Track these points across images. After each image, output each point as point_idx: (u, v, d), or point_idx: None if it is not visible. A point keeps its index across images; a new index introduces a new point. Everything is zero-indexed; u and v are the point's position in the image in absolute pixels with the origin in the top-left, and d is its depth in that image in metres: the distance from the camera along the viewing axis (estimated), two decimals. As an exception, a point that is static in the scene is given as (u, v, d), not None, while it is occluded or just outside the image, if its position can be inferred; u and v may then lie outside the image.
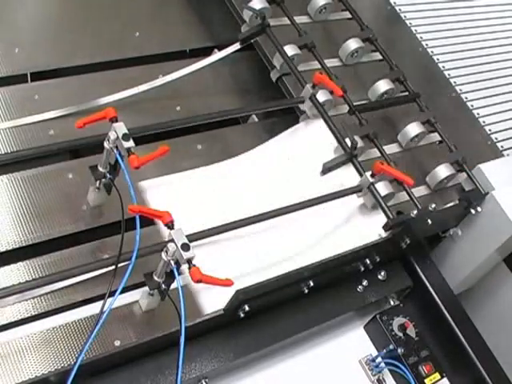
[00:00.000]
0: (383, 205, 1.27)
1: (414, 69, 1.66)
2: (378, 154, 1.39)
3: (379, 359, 1.22)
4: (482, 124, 1.63)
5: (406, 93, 1.53)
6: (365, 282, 1.26)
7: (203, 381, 1.07)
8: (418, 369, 1.22)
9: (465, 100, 1.66)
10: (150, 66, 1.49)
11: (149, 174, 1.28)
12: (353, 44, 1.54)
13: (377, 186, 1.29)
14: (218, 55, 1.47)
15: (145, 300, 1.11)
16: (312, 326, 1.19)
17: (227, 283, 1.03)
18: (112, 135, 1.08)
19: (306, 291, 1.17)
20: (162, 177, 1.28)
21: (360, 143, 1.35)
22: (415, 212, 1.25)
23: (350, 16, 1.61)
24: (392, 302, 1.31)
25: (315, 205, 1.23)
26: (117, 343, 1.07)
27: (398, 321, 1.25)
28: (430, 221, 1.28)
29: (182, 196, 1.26)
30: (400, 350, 1.21)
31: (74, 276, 1.04)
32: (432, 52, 1.74)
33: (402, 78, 1.53)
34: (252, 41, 1.48)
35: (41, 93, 1.34)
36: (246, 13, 1.48)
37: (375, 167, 1.27)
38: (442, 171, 1.41)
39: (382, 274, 1.29)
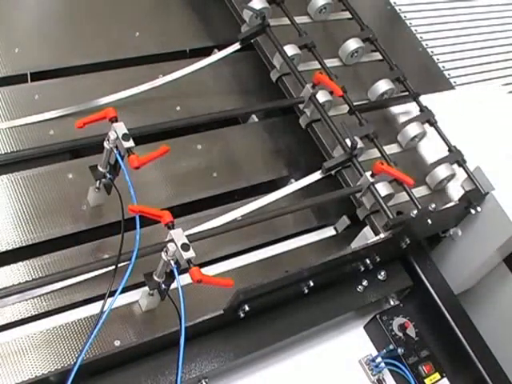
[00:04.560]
0: (383, 205, 1.27)
1: (414, 69, 1.66)
2: (378, 154, 1.39)
3: (379, 359, 1.22)
4: (483, 124, 1.63)
5: (406, 93, 1.53)
6: (365, 282, 1.26)
7: (203, 381, 1.07)
8: (418, 369, 1.22)
9: (465, 100, 1.67)
10: (149, 66, 1.49)
11: (149, 174, 1.28)
12: (353, 44, 1.54)
13: (377, 186, 1.29)
14: (217, 55, 1.47)
15: (145, 300, 1.11)
16: (312, 326, 1.19)
17: (227, 283, 1.03)
18: (112, 135, 1.08)
19: (306, 291, 1.17)
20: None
21: (360, 143, 1.35)
22: (415, 212, 1.25)
23: (350, 16, 1.61)
24: (392, 302, 1.31)
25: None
26: (117, 343, 1.07)
27: (397, 321, 1.25)
28: (429, 221, 1.28)
29: None
30: (400, 350, 1.21)
31: (74, 276, 1.04)
32: (432, 52, 1.74)
33: (402, 77, 1.53)
34: (252, 41, 1.48)
35: (41, 93, 1.34)
36: (245, 13, 1.47)
37: (375, 167, 1.27)
38: (442, 171, 1.41)
39: (382, 274, 1.29)
